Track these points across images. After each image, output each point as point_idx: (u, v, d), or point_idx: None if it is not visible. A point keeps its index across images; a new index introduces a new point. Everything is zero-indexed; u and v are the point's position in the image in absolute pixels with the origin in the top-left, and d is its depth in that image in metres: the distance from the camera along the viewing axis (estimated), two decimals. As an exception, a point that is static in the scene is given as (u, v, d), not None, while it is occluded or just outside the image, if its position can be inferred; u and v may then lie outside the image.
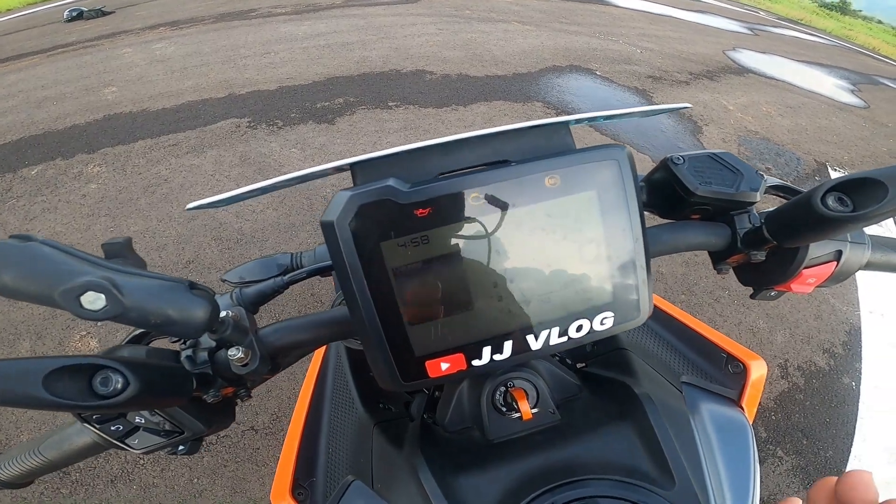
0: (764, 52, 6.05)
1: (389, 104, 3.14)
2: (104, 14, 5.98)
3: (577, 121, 0.35)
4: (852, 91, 5.16)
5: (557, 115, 3.27)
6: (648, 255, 0.33)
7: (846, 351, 1.82)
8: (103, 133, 2.82)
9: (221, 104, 3.10)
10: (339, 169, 0.33)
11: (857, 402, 1.64)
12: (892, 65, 8.46)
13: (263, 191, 0.33)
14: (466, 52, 4.13)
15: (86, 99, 3.30)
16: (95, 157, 2.57)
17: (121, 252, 0.29)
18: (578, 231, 0.31)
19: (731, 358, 0.51)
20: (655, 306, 0.61)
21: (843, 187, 0.33)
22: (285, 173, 0.33)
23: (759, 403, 1.56)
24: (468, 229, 0.30)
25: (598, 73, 4.04)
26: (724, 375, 0.50)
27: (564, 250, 0.31)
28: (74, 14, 5.84)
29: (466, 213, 0.29)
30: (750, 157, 3.07)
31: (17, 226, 2.09)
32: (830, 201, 0.33)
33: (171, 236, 2.02)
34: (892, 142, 3.85)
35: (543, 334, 0.33)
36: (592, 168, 0.31)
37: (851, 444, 1.50)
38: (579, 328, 0.33)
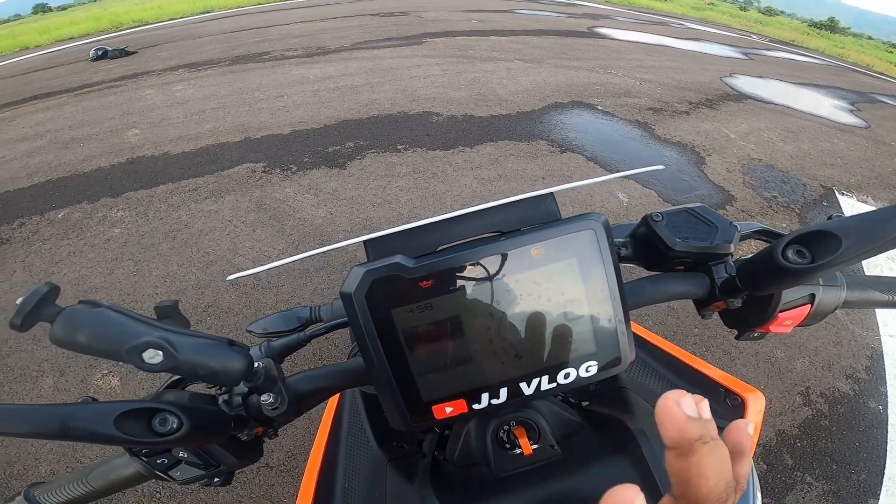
0: (760, 77, 6.18)
1: (398, 147, 3.23)
2: (127, 54, 6.30)
3: (561, 190, 0.40)
4: (851, 111, 5.21)
5: (562, 153, 3.30)
6: (626, 310, 0.37)
7: (870, 375, 1.79)
8: (127, 177, 2.94)
9: (238, 148, 3.23)
10: (356, 243, 0.38)
11: (887, 425, 1.61)
12: (888, 81, 8.55)
13: (293, 262, 0.39)
14: (471, 91, 4.26)
15: (110, 141, 3.46)
16: (119, 202, 2.67)
17: (170, 313, 0.34)
18: (562, 294, 0.35)
19: (730, 392, 0.53)
20: (655, 346, 0.64)
21: (802, 240, 0.36)
22: (313, 247, 0.37)
23: (781, 432, 1.54)
24: (466, 296, 0.34)
25: (599, 107, 4.13)
26: (723, 409, 0.52)
27: (551, 310, 0.35)
28: (100, 53, 6.15)
29: (464, 283, 0.34)
30: (756, 186, 3.09)
31: (44, 269, 2.16)
32: (790, 254, 0.36)
33: (190, 281, 2.08)
34: (897, 161, 3.86)
35: (535, 381, 0.37)
36: (572, 238, 0.35)
37: (884, 467, 1.48)
38: (567, 375, 0.37)
